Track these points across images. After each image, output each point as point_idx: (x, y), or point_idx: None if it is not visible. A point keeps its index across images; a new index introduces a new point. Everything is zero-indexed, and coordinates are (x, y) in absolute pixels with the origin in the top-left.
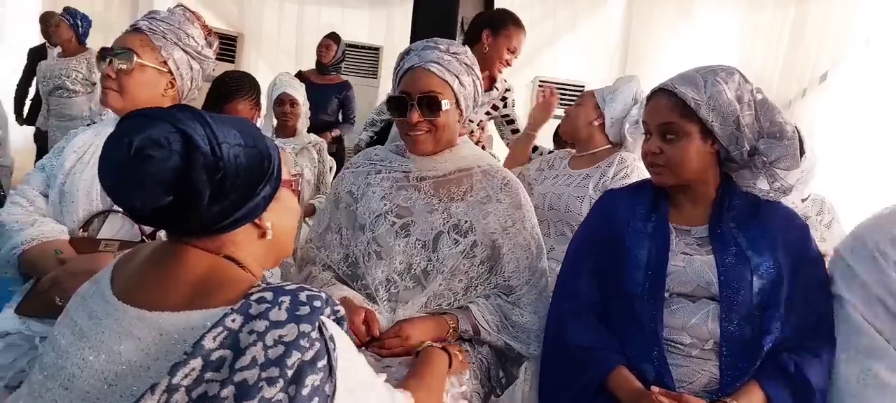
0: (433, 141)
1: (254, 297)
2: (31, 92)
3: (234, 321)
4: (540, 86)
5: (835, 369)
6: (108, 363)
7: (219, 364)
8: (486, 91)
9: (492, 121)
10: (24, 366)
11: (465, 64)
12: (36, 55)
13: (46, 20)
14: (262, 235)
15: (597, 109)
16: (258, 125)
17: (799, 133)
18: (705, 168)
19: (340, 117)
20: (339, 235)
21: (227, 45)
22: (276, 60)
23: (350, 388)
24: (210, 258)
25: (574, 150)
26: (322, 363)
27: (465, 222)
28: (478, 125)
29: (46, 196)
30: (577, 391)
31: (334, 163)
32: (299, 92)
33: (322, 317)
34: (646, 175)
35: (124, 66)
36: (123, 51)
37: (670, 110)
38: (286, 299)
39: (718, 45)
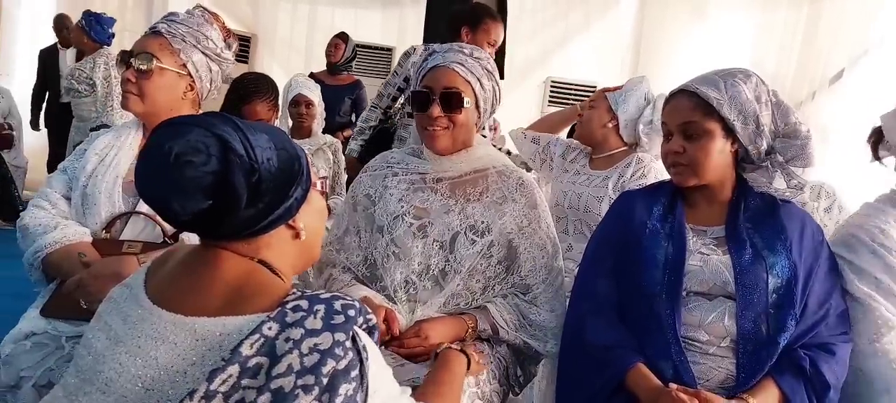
0: (451, 138)
1: (289, 305)
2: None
3: (270, 328)
4: (552, 84)
5: (864, 364)
6: (144, 367)
7: (256, 371)
8: None
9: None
10: (51, 365)
11: (487, 69)
12: (46, 57)
13: (59, 23)
14: (296, 236)
15: (610, 112)
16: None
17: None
18: (725, 168)
19: (354, 118)
20: (357, 237)
21: (241, 46)
22: (289, 61)
23: (380, 399)
24: (245, 262)
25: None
26: (355, 372)
27: (482, 222)
28: (490, 128)
29: (68, 198)
30: (596, 389)
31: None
32: (315, 93)
33: (355, 327)
34: (663, 175)
35: (144, 69)
36: (143, 54)
37: (692, 110)
38: (321, 308)
39: (731, 46)
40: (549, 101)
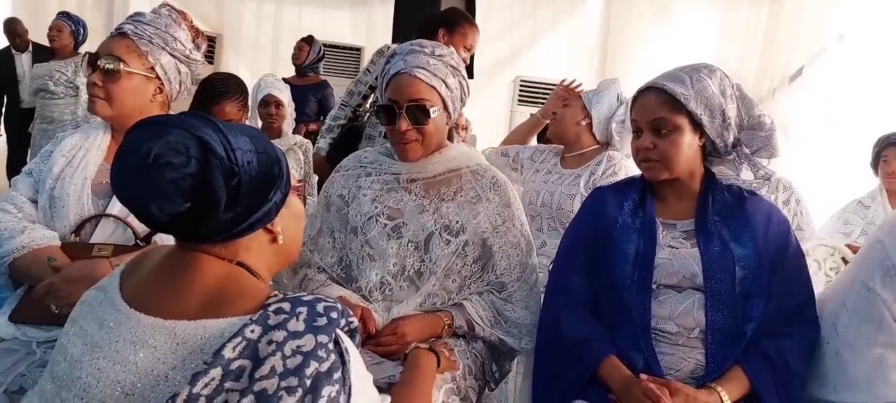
0: (423, 148)
1: (272, 308)
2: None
3: (252, 331)
4: (521, 83)
5: (851, 362)
6: (124, 372)
7: (238, 373)
8: None
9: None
10: (22, 371)
11: (451, 66)
12: (0, 61)
13: (11, 26)
14: (274, 240)
15: (584, 110)
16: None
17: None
18: (694, 161)
19: (321, 117)
20: (331, 238)
21: (207, 47)
22: (256, 61)
23: (363, 400)
24: (224, 265)
25: (563, 147)
26: (337, 374)
27: (456, 222)
28: (462, 128)
29: (35, 201)
30: (571, 381)
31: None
32: (284, 93)
33: (337, 329)
34: (633, 172)
35: (111, 72)
36: (109, 57)
37: (660, 106)
38: (304, 310)
39: (695, 45)
40: (519, 101)
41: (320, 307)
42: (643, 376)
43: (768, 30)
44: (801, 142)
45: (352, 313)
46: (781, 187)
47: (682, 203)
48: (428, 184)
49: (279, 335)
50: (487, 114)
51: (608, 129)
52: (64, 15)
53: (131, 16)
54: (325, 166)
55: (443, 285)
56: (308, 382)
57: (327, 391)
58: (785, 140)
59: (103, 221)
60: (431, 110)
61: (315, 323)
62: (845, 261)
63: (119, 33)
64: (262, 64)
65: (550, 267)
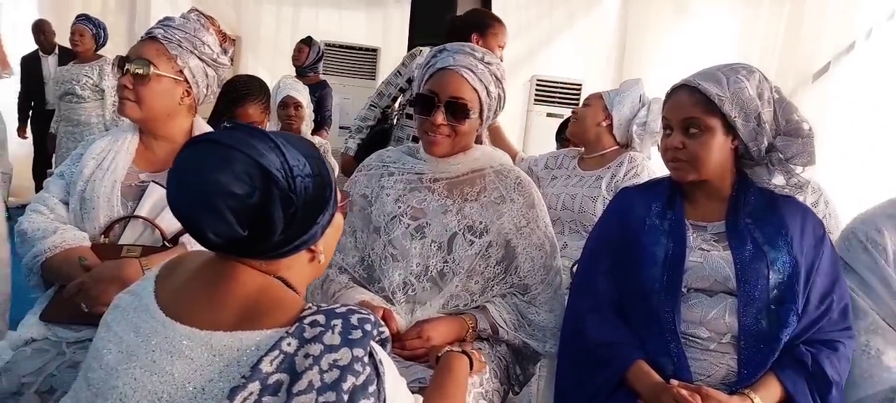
0: (451, 145)
1: (307, 320)
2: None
3: (289, 344)
4: (538, 83)
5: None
6: (160, 383)
7: (276, 388)
8: None
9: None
10: (53, 371)
11: (496, 76)
12: (29, 64)
13: (39, 28)
14: (313, 259)
15: (605, 111)
16: (267, 129)
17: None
18: (725, 164)
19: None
20: (353, 238)
21: None
22: (274, 63)
23: None
24: (262, 277)
25: (582, 150)
26: (372, 387)
27: (480, 223)
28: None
29: (66, 203)
30: (597, 386)
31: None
32: (303, 94)
33: (372, 342)
34: (655, 174)
35: (141, 75)
36: (139, 60)
37: (693, 105)
38: (339, 323)
39: (715, 42)
40: (535, 100)
41: (354, 319)
42: (674, 381)
43: (790, 27)
44: (828, 140)
45: (383, 323)
46: (810, 189)
47: (713, 204)
48: (451, 184)
49: (316, 348)
50: (504, 113)
51: (629, 131)
52: (84, 18)
53: (161, 20)
54: (353, 166)
55: (466, 286)
56: (346, 396)
57: None
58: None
59: (132, 222)
60: (471, 112)
61: (350, 336)
62: None
63: (149, 37)
64: (281, 66)
65: (573, 268)
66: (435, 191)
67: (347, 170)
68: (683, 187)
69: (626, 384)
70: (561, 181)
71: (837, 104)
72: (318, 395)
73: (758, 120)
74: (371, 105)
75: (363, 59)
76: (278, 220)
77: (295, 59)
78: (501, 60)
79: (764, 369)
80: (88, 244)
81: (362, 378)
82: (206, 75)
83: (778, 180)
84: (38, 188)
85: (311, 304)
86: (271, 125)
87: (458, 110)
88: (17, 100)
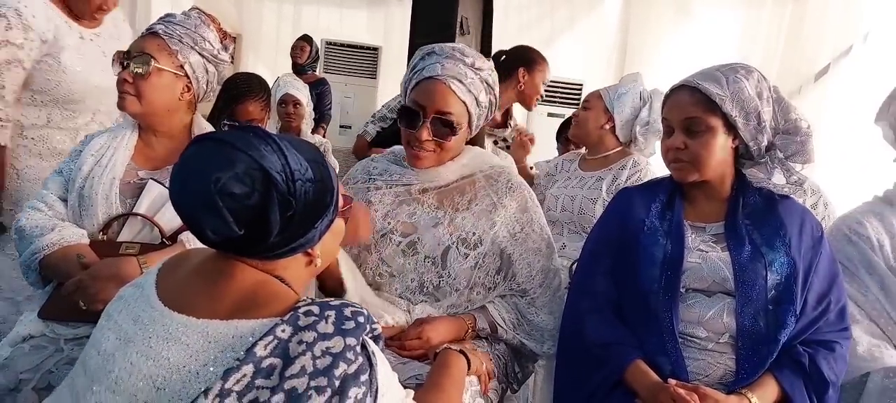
0: (436, 159)
1: (302, 310)
2: None
3: (283, 331)
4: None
5: None
6: (155, 367)
7: (269, 371)
8: (499, 126)
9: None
10: (50, 367)
11: (487, 82)
12: None
13: None
14: (310, 263)
15: (606, 112)
16: (268, 127)
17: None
18: (725, 163)
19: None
20: None
21: None
22: (275, 61)
23: (387, 401)
24: (260, 274)
25: (582, 151)
26: (364, 377)
27: (473, 234)
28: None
29: (65, 200)
30: (595, 386)
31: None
32: (302, 92)
33: (364, 335)
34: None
35: (141, 71)
36: (140, 55)
37: (694, 105)
38: (332, 313)
39: (717, 43)
40: (537, 100)
41: (348, 311)
42: (671, 381)
43: (792, 28)
44: (826, 141)
45: (376, 320)
46: (809, 191)
47: (712, 205)
48: (441, 194)
49: (309, 335)
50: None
51: (632, 130)
52: None
53: (162, 17)
54: (366, 151)
55: (468, 297)
56: (337, 383)
57: (354, 392)
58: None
59: (130, 220)
60: (458, 127)
61: (343, 326)
62: None
63: (150, 32)
64: (281, 63)
65: (572, 268)
66: (424, 203)
67: (360, 153)
68: (683, 188)
69: (624, 383)
70: (560, 183)
71: (837, 105)
72: (310, 379)
73: (758, 118)
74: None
75: (364, 57)
76: (275, 223)
77: (296, 57)
78: (541, 97)
79: (761, 369)
80: (87, 241)
81: (354, 366)
82: (207, 71)
83: (777, 178)
84: None
85: (306, 297)
86: (271, 123)
87: (444, 126)
88: None
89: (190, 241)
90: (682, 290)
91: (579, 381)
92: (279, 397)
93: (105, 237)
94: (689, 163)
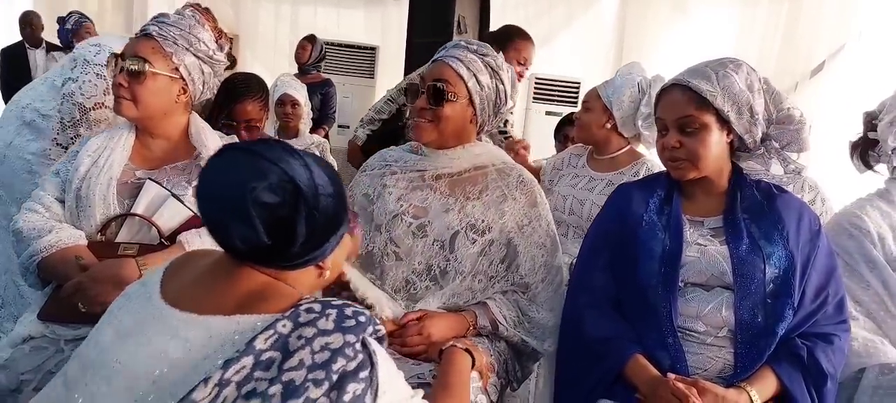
0: (436, 132)
1: (303, 307)
2: None
3: (284, 326)
4: (537, 81)
5: None
6: (154, 361)
7: (268, 364)
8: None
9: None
10: (51, 368)
11: (491, 66)
12: (12, 56)
13: (26, 20)
14: (320, 275)
15: (606, 111)
16: (266, 127)
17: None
18: (722, 158)
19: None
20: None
21: None
22: (273, 62)
23: (388, 400)
24: (266, 278)
25: (589, 148)
26: (364, 374)
27: (482, 221)
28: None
29: (62, 201)
30: (595, 381)
31: (334, 163)
32: (300, 92)
33: (365, 335)
34: None
35: (136, 74)
36: (135, 58)
37: (686, 104)
38: (333, 312)
39: (713, 40)
40: (534, 98)
41: (349, 311)
42: (671, 375)
43: (788, 25)
44: (822, 136)
45: (380, 322)
46: (807, 187)
47: (710, 200)
48: (453, 182)
49: (309, 331)
50: None
51: (635, 125)
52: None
53: (155, 17)
54: (359, 156)
55: (469, 285)
56: (335, 377)
57: (353, 387)
58: (809, 136)
59: (128, 220)
60: (450, 93)
61: (344, 324)
62: None
63: (144, 34)
64: (279, 64)
65: (571, 264)
66: (437, 189)
67: (354, 158)
68: (681, 183)
69: (624, 378)
70: (568, 180)
71: (832, 102)
72: (308, 372)
73: (751, 111)
74: (389, 99)
75: (362, 57)
76: (301, 234)
77: (298, 57)
78: (521, 76)
79: (760, 362)
80: (85, 242)
81: (353, 363)
82: (203, 72)
83: (775, 169)
84: None
85: (309, 296)
86: (269, 123)
87: (438, 93)
88: None
89: (188, 242)
90: (680, 285)
91: (579, 376)
92: (277, 388)
93: (103, 238)
94: (685, 161)
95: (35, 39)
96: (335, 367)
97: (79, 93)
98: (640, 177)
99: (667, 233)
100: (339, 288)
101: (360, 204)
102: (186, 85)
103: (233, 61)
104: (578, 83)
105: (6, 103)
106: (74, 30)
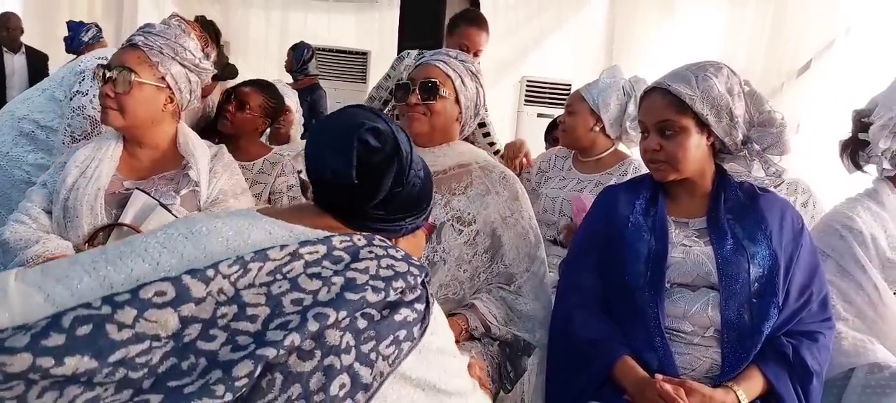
0: (429, 126)
1: (377, 239)
2: None
3: (359, 240)
4: (528, 83)
5: None
6: (234, 236)
7: (338, 259)
8: None
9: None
10: None
11: (471, 71)
12: None
13: (3, 23)
14: None
15: (593, 114)
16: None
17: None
18: (703, 160)
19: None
20: None
21: None
22: (263, 68)
23: (438, 342)
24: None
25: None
26: (419, 306)
27: (468, 213)
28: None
29: (49, 212)
30: (585, 382)
31: None
32: (291, 99)
33: (426, 278)
34: None
35: (123, 83)
36: (120, 69)
37: (665, 107)
38: (403, 252)
39: (702, 41)
40: (526, 101)
41: (415, 259)
42: (658, 376)
43: (775, 24)
44: (810, 135)
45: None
46: (800, 189)
47: (694, 201)
48: (439, 180)
49: (379, 251)
50: (494, 114)
51: (622, 126)
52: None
53: (141, 27)
54: None
55: (454, 275)
56: (392, 293)
57: (405, 312)
58: (794, 134)
59: (116, 230)
60: (442, 89)
61: (411, 260)
62: None
63: (130, 45)
64: (269, 70)
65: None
66: None
67: None
68: (666, 184)
69: (613, 379)
70: (556, 181)
71: (820, 100)
72: (370, 279)
73: (730, 115)
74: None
75: (353, 62)
76: (386, 187)
77: (286, 66)
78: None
79: (746, 361)
80: (72, 253)
81: (412, 294)
82: (189, 81)
83: (757, 172)
84: None
85: None
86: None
87: (430, 89)
88: None
89: None
90: (667, 285)
91: (570, 377)
92: (340, 279)
93: (91, 248)
94: (666, 163)
95: (13, 43)
96: (395, 285)
97: (90, 106)
98: (629, 176)
99: (652, 235)
100: None
101: None
102: (173, 94)
103: (232, 69)
104: (569, 85)
105: None
106: (90, 43)
